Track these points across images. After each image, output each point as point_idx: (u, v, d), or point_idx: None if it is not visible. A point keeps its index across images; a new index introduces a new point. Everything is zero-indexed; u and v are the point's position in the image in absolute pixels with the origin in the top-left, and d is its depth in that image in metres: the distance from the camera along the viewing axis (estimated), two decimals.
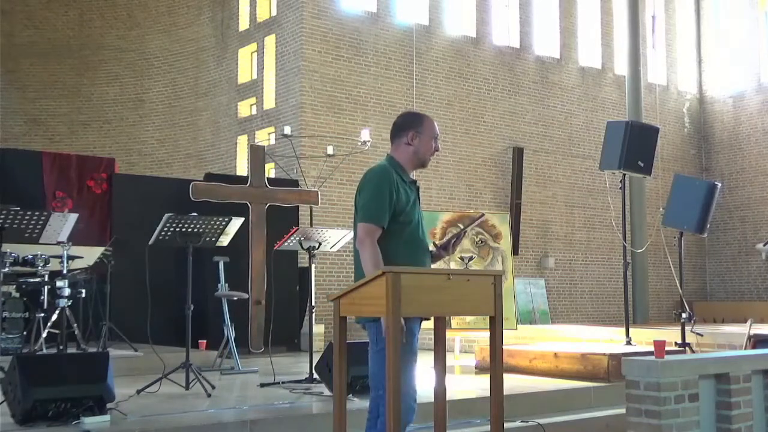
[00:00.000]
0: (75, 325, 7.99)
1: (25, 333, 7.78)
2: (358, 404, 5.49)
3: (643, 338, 8.66)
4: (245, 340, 9.63)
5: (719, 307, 19.06)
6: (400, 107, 15.79)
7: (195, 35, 17.68)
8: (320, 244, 7.14)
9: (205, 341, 9.32)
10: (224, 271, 8.25)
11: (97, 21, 18.24)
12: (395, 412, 3.18)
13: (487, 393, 3.50)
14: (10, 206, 6.59)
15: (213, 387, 6.19)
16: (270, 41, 15.98)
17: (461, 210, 14.72)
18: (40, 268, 7.76)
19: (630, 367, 4.38)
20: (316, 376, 6.60)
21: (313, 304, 7.41)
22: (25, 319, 7.84)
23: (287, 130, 11.57)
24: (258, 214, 10.11)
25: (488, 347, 3.58)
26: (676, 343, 7.82)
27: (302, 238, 7.06)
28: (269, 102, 15.83)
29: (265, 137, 15.71)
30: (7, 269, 7.12)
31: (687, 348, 7.82)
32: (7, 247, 6.78)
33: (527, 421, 5.57)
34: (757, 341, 6.71)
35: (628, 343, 8.33)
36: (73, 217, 6.82)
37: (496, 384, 3.45)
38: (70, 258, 7.32)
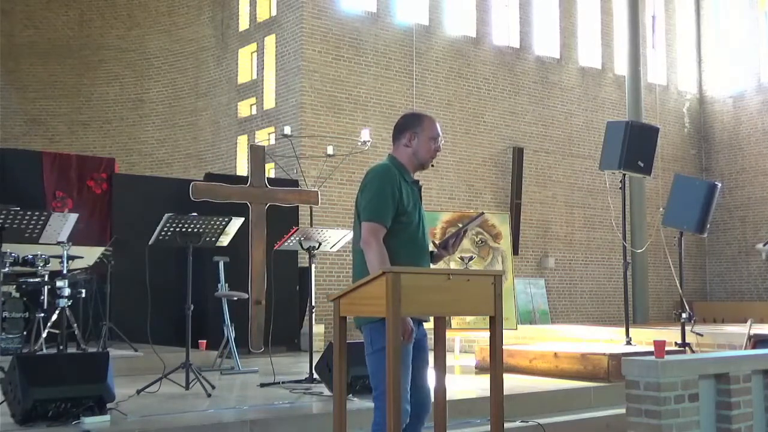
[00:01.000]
0: (75, 325, 7.98)
1: (25, 333, 7.77)
2: (358, 404, 5.50)
3: (643, 338, 8.66)
4: (245, 340, 9.64)
5: (719, 307, 19.06)
6: (400, 107, 15.79)
7: (195, 35, 17.68)
8: (320, 244, 7.14)
9: (205, 341, 9.32)
10: (224, 271, 8.25)
11: (97, 21, 18.24)
12: (395, 411, 3.18)
13: (487, 393, 3.50)
14: (10, 206, 6.59)
15: (213, 387, 6.19)
16: (270, 41, 15.98)
17: (461, 210, 14.72)
18: (40, 268, 7.76)
19: (630, 367, 4.38)
20: (316, 376, 6.60)
21: (313, 304, 7.41)
22: (25, 319, 7.83)
23: (287, 130, 11.58)
24: (258, 214, 10.12)
25: (488, 347, 3.58)
26: (676, 343, 7.82)
27: (302, 238, 7.07)
28: (269, 102, 15.84)
29: (265, 137, 15.71)
30: (7, 269, 7.11)
31: (687, 348, 7.82)
32: (7, 247, 6.78)
33: (527, 421, 5.56)
34: (757, 341, 6.71)
35: (628, 343, 8.33)
36: (73, 217, 6.82)
37: (496, 384, 3.45)
38: (70, 258, 7.32)
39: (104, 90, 18.00)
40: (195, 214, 6.56)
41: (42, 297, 7.82)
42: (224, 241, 6.80)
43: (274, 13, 16.04)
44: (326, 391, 6.15)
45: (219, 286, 8.24)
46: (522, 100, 17.89)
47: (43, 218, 6.50)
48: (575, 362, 7.26)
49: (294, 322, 11.21)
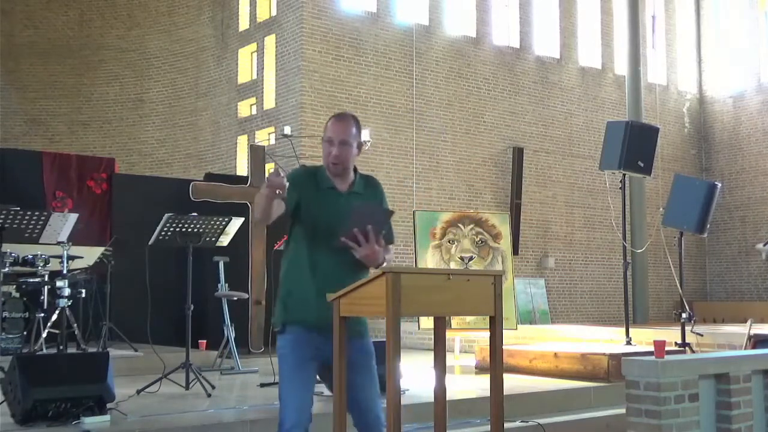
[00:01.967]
0: (75, 325, 7.98)
1: (25, 333, 7.77)
2: None
3: (643, 338, 8.66)
4: (245, 340, 9.63)
5: (719, 307, 19.06)
6: (400, 107, 15.81)
7: (195, 35, 17.68)
8: None
9: (205, 341, 9.31)
10: (224, 271, 8.25)
11: (97, 21, 18.24)
12: (395, 411, 3.17)
13: (487, 393, 3.50)
14: (10, 206, 6.59)
15: (213, 387, 6.19)
16: (270, 41, 15.98)
17: (461, 210, 14.71)
18: (40, 268, 7.76)
19: (630, 367, 4.38)
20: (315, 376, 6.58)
21: None
22: (25, 319, 7.83)
23: (287, 130, 11.57)
24: None
25: (488, 347, 3.58)
26: (676, 343, 7.82)
27: None
28: (269, 102, 15.84)
29: (265, 137, 15.71)
30: (7, 269, 7.11)
31: (687, 348, 7.82)
32: (7, 247, 6.78)
33: (527, 421, 5.56)
34: (757, 341, 6.71)
35: (628, 343, 8.33)
36: (73, 217, 6.82)
37: (496, 384, 3.45)
38: (70, 258, 7.32)
39: (104, 90, 18.00)
40: (195, 214, 6.56)
41: (42, 297, 7.82)
42: (224, 241, 6.80)
43: (274, 13, 16.04)
44: (326, 391, 6.13)
45: (219, 286, 8.24)
46: (522, 100, 17.89)
47: (43, 218, 6.50)
48: (575, 362, 7.26)
49: None
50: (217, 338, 8.45)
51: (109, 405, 4.97)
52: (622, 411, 4.57)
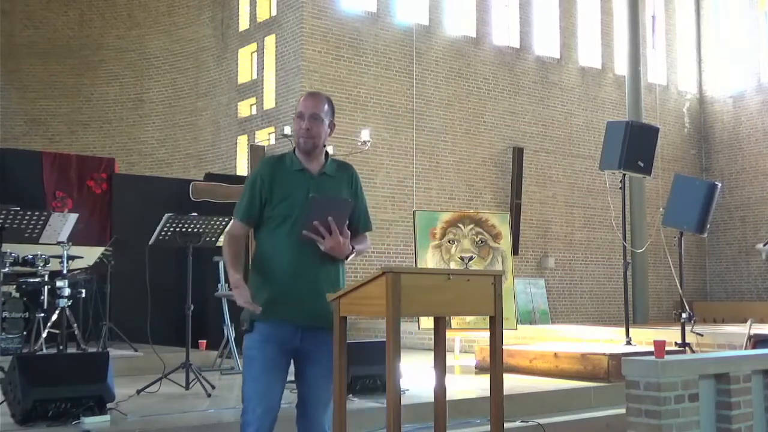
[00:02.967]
0: (75, 325, 7.98)
1: (25, 333, 7.77)
2: (358, 404, 5.50)
3: (643, 338, 8.66)
4: None
5: (719, 307, 19.06)
6: (400, 107, 15.81)
7: (195, 35, 17.68)
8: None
9: (205, 341, 9.31)
10: (224, 271, 8.24)
11: (97, 21, 18.25)
12: (395, 411, 3.17)
13: (487, 393, 3.50)
14: (10, 206, 6.59)
15: (213, 387, 6.18)
16: (270, 41, 15.99)
17: (461, 210, 14.70)
18: (40, 268, 7.76)
19: (630, 367, 4.38)
20: None
21: None
22: (25, 319, 7.83)
23: (287, 130, 11.58)
24: None
25: (488, 347, 3.58)
26: (676, 343, 7.82)
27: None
28: (269, 102, 15.84)
29: (265, 137, 15.72)
30: (7, 269, 7.11)
31: (687, 348, 7.82)
32: (7, 247, 6.78)
33: (527, 421, 5.56)
34: (757, 341, 6.71)
35: (628, 343, 8.32)
36: (73, 217, 6.82)
37: (496, 384, 3.45)
38: (70, 258, 7.32)
39: (104, 90, 18.00)
40: (195, 214, 6.56)
41: (42, 297, 7.82)
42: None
43: (274, 13, 16.04)
44: None
45: (219, 286, 8.23)
46: (522, 100, 17.89)
47: (43, 218, 6.50)
48: (575, 362, 7.26)
49: None
50: (217, 338, 8.45)
51: (109, 405, 4.97)
52: (622, 411, 4.57)
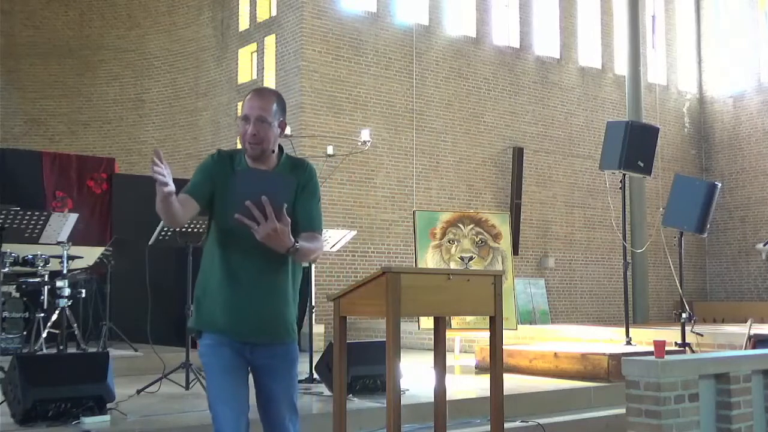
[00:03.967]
0: (75, 325, 7.98)
1: (25, 333, 7.78)
2: (358, 404, 5.51)
3: (643, 338, 8.66)
4: None
5: (719, 307, 19.06)
6: (400, 107, 15.81)
7: (195, 35, 17.68)
8: None
9: None
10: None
11: (97, 21, 18.24)
12: (395, 410, 3.17)
13: (487, 393, 3.50)
14: (10, 206, 6.59)
15: None
16: (270, 41, 15.99)
17: (461, 210, 14.70)
18: (40, 268, 7.76)
19: (630, 367, 4.38)
20: (316, 376, 6.60)
21: (313, 304, 7.41)
22: (25, 319, 7.84)
23: (287, 130, 11.57)
24: None
25: (488, 347, 3.58)
26: (676, 343, 7.82)
27: None
28: None
29: None
30: (7, 269, 7.12)
31: (687, 348, 7.82)
32: (7, 247, 6.78)
33: (527, 421, 5.56)
34: (757, 341, 6.71)
35: (628, 343, 8.33)
36: (73, 217, 6.82)
37: (496, 384, 3.45)
38: (70, 258, 7.32)
39: (104, 90, 18.00)
40: None
41: (42, 297, 7.82)
42: None
43: (274, 13, 16.04)
44: (326, 391, 6.14)
45: None
46: (522, 100, 17.89)
47: (43, 218, 6.50)
48: (575, 362, 7.26)
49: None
50: None
51: (109, 405, 4.98)
52: (622, 411, 4.57)
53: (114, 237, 9.29)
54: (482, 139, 17.10)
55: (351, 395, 5.60)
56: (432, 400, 3.69)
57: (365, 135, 11.98)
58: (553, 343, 9.16)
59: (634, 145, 8.55)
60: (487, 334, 3.54)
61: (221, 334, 2.99)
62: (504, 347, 3.69)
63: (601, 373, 7.00)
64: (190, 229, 6.47)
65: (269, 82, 15.92)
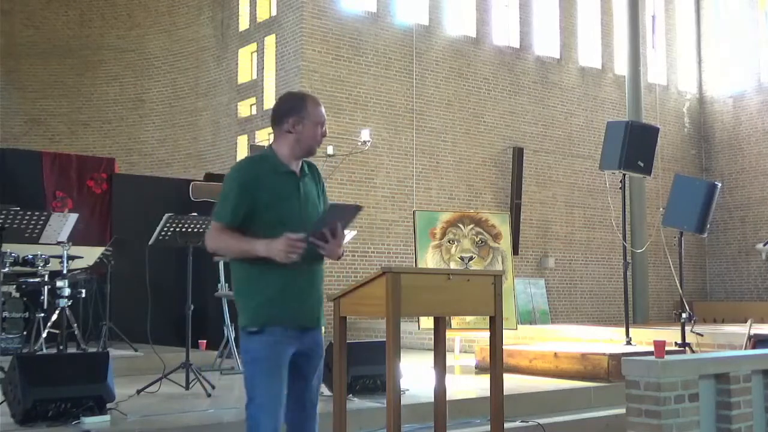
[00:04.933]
0: (75, 325, 7.98)
1: (25, 333, 7.77)
2: (358, 404, 5.51)
3: (643, 338, 8.65)
4: None
5: (719, 307, 19.06)
6: (400, 107, 15.81)
7: (195, 35, 17.68)
8: None
9: (205, 341, 9.32)
10: (224, 271, 8.24)
11: (97, 21, 18.25)
12: (395, 410, 3.17)
13: (487, 393, 3.50)
14: (10, 206, 6.59)
15: (213, 387, 6.18)
16: (270, 41, 15.99)
17: (461, 210, 14.71)
18: (40, 268, 7.76)
19: (630, 367, 4.38)
20: None
21: None
22: (25, 319, 7.84)
23: None
24: None
25: (488, 347, 3.58)
26: (676, 343, 7.82)
27: None
28: (269, 102, 15.83)
29: (265, 137, 15.71)
30: (7, 269, 7.11)
31: (687, 348, 7.82)
32: (7, 247, 6.78)
33: (527, 421, 5.56)
34: (757, 341, 6.71)
35: (628, 343, 8.32)
36: (73, 217, 6.82)
37: (496, 384, 3.45)
38: (70, 258, 7.32)
39: (104, 90, 18.00)
40: (195, 214, 6.56)
41: (42, 297, 7.82)
42: None
43: (274, 13, 16.04)
44: (326, 391, 6.13)
45: (219, 286, 8.24)
46: (522, 100, 17.89)
47: (43, 218, 6.50)
48: (575, 362, 7.26)
49: None
50: (217, 338, 8.45)
51: (109, 405, 4.98)
52: (622, 411, 4.57)
53: (114, 237, 9.29)
54: (482, 139, 17.10)
55: (351, 395, 5.60)
56: (432, 400, 3.69)
57: (365, 135, 11.99)
58: (553, 343, 9.16)
59: (634, 145, 8.54)
60: (487, 334, 3.55)
61: (281, 326, 3.21)
62: (504, 347, 3.70)
63: (601, 373, 7.00)
64: (190, 229, 6.46)
65: (269, 82, 15.92)
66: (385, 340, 3.22)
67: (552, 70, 18.59)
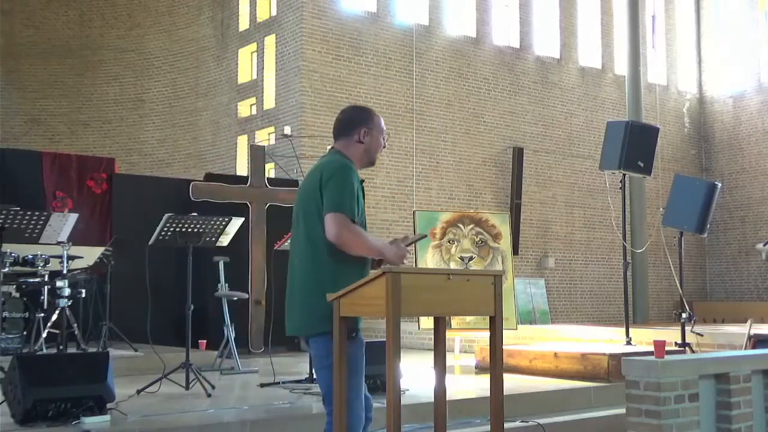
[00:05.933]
0: (75, 325, 7.98)
1: (25, 333, 7.77)
2: None
3: (643, 338, 8.65)
4: (245, 340, 9.64)
5: (719, 307, 19.05)
6: (400, 107, 15.81)
7: (195, 35, 17.68)
8: None
9: (205, 341, 9.32)
10: (224, 271, 8.25)
11: (97, 21, 18.24)
12: (395, 411, 3.17)
13: (487, 393, 3.50)
14: (10, 206, 6.59)
15: (213, 387, 6.19)
16: (270, 41, 15.99)
17: (461, 210, 14.70)
18: (40, 268, 7.76)
19: (630, 367, 4.38)
20: (316, 376, 6.59)
21: None
22: (25, 319, 7.83)
23: (287, 130, 11.59)
24: (258, 214, 10.13)
25: (488, 347, 3.58)
26: (676, 343, 7.82)
27: None
28: (269, 102, 15.84)
29: (265, 137, 15.72)
30: (7, 269, 7.11)
31: (687, 348, 7.82)
32: (7, 247, 6.78)
33: (527, 421, 5.56)
34: (757, 341, 6.71)
35: (628, 343, 8.32)
36: (73, 217, 6.82)
37: (496, 384, 3.45)
38: (70, 258, 7.31)
39: (104, 90, 18.00)
40: (195, 214, 6.56)
41: (42, 297, 7.82)
42: (224, 241, 6.80)
43: (274, 13, 16.04)
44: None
45: (219, 286, 8.24)
46: (522, 100, 17.89)
47: (43, 218, 6.50)
48: (575, 362, 7.26)
49: None
50: (217, 338, 8.46)
51: (109, 405, 4.98)
52: (622, 411, 4.57)
53: (114, 237, 9.29)
54: (482, 139, 17.10)
55: None
56: (432, 400, 3.69)
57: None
58: (553, 343, 9.16)
59: (634, 145, 8.54)
60: (487, 334, 3.54)
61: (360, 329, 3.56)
62: (504, 347, 3.69)
63: (601, 373, 7.00)
64: (190, 229, 6.47)
65: (269, 82, 15.92)
66: (385, 340, 3.21)
67: (552, 70, 18.59)
